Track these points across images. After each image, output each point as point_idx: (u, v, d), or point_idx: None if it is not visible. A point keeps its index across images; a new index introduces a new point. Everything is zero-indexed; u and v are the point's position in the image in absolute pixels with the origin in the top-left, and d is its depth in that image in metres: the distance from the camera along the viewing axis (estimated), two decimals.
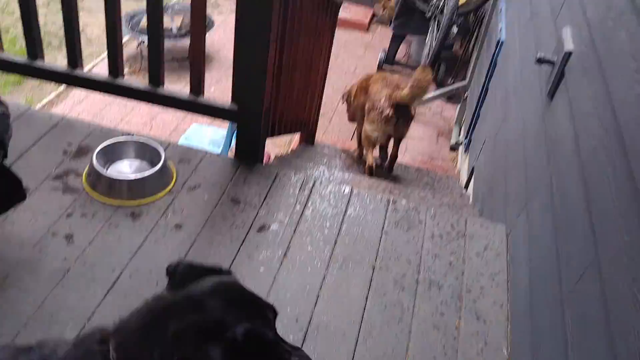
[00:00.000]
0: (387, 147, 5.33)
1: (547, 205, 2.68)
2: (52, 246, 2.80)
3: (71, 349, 1.36)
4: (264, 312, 1.36)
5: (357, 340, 2.59)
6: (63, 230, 2.89)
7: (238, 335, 1.21)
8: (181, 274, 1.41)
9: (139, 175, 3.12)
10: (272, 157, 5.08)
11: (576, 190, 2.34)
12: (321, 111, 5.75)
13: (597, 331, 1.84)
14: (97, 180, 3.10)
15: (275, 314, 1.39)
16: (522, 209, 3.11)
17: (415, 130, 6.93)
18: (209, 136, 5.61)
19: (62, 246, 2.81)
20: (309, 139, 5.63)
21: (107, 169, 3.18)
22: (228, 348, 1.19)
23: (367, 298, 2.79)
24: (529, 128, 3.45)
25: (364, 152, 5.12)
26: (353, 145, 5.91)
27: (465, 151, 6.09)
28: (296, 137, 5.92)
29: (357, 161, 5.36)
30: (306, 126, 5.33)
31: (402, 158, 6.42)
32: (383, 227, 3.20)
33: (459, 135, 6.72)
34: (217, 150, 5.03)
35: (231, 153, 4.32)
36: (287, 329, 2.60)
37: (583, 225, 2.16)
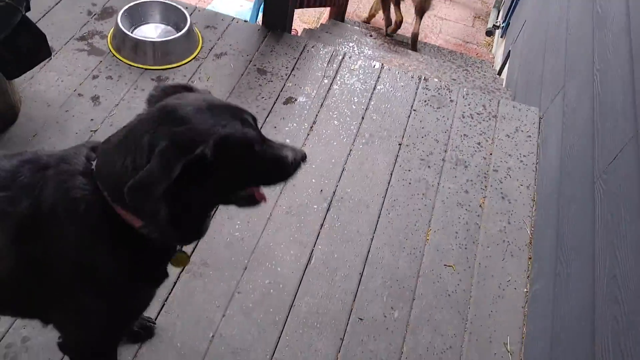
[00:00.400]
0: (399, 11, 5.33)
1: (587, 83, 2.57)
2: (78, 107, 2.79)
3: (62, 151, 1.41)
4: (242, 116, 1.32)
5: (380, 213, 2.61)
6: (89, 91, 2.87)
7: (208, 148, 1.21)
8: (158, 95, 1.37)
9: (164, 39, 3.04)
10: (300, 32, 4.91)
11: (621, 67, 2.22)
12: None
13: (629, 209, 1.80)
14: (122, 43, 3.03)
15: (253, 118, 1.37)
16: (559, 90, 2.99)
17: (451, 12, 6.62)
18: (236, 8, 5.41)
19: (89, 107, 2.80)
20: (339, 15, 5.41)
21: (132, 32, 3.09)
22: (193, 161, 1.19)
23: (391, 173, 2.78)
24: (574, 5, 3.25)
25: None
26: (384, 23, 5.67)
27: (501, 36, 5.83)
28: (326, 13, 5.69)
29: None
30: (337, 0, 5.10)
31: (435, 39, 6.18)
32: (412, 105, 3.12)
33: (497, 19, 6.41)
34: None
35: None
36: (311, 199, 2.61)
37: (624, 102, 2.07)
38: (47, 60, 2.63)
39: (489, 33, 6.38)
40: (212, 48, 3.21)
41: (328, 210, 2.59)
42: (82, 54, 3.03)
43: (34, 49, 2.50)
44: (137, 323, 2.06)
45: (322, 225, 2.54)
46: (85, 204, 1.29)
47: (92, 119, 2.75)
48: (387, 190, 2.70)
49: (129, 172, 1.21)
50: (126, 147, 1.26)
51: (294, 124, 2.91)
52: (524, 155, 2.96)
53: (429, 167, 2.82)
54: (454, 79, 4.28)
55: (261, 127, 2.83)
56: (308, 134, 2.88)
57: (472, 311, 2.36)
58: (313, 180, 2.69)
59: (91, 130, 2.69)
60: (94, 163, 1.33)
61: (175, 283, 2.26)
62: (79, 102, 2.81)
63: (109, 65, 3.00)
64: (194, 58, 3.12)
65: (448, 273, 2.46)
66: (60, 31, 3.10)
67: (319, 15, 5.96)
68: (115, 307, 1.50)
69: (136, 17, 3.17)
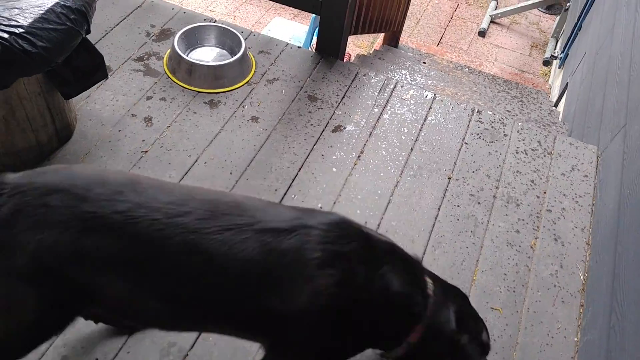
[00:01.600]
0: None
1: None
2: (131, 127, 2.84)
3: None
4: None
5: (425, 249, 2.54)
6: (143, 112, 2.92)
7: None
8: None
9: (218, 62, 3.07)
10: (353, 57, 4.90)
11: None
12: (408, 12, 5.45)
13: None
14: (177, 65, 3.07)
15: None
16: (620, 129, 2.86)
17: (507, 40, 6.50)
18: (291, 31, 5.46)
19: (141, 128, 2.84)
20: (392, 40, 5.38)
21: (187, 55, 3.14)
22: None
23: (439, 208, 2.71)
24: (639, 39, 3.12)
25: None
26: (439, 50, 5.62)
27: (559, 66, 5.68)
28: (380, 38, 5.67)
29: None
30: (391, 26, 5.07)
31: (490, 68, 6.07)
32: (464, 138, 3.05)
33: (555, 48, 6.25)
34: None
35: (312, 49, 4.18)
36: None
37: None
38: (103, 80, 2.68)
39: (546, 63, 6.23)
40: (264, 73, 3.22)
41: None
42: (137, 75, 3.09)
43: (91, 70, 2.56)
44: None
45: None
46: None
47: (143, 140, 2.79)
48: (433, 225, 2.63)
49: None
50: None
51: (342, 153, 2.88)
52: (580, 196, 2.84)
53: (478, 203, 2.74)
54: (509, 111, 4.18)
55: (308, 155, 2.82)
56: (355, 164, 2.85)
57: (518, 357, 2.25)
58: (358, 212, 2.64)
59: (142, 151, 2.73)
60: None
61: None
62: (132, 122, 2.86)
63: (164, 86, 3.05)
64: (246, 82, 3.14)
65: (494, 316, 2.36)
66: (118, 51, 3.18)
67: (372, 39, 5.95)
68: None
69: (192, 40, 3.22)
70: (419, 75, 4.37)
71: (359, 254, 1.50)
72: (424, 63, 5.14)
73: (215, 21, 3.41)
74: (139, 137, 2.80)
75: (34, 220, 1.33)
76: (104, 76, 2.62)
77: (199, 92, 3.05)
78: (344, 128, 3.00)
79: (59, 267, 1.35)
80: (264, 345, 1.61)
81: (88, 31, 2.36)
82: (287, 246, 1.41)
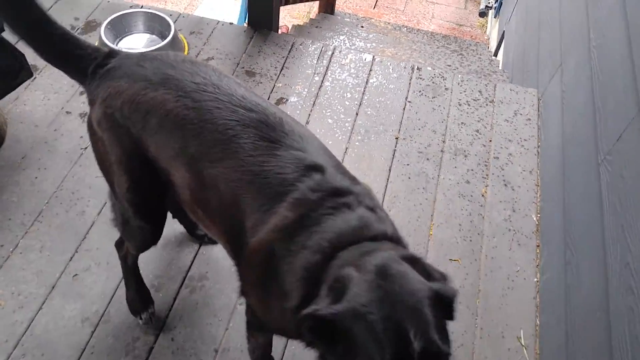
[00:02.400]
0: None
1: (584, 61, 2.49)
2: (67, 125, 2.73)
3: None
4: None
5: None
6: (77, 108, 2.81)
7: None
8: None
9: (149, 48, 2.97)
10: (290, 28, 4.83)
11: (618, 40, 2.14)
12: None
13: (638, 191, 1.73)
14: None
15: None
16: (556, 69, 2.91)
17: None
18: (225, 9, 5.34)
19: (78, 124, 2.74)
20: (328, 7, 5.32)
21: (117, 44, 3.03)
22: None
23: (390, 169, 2.71)
24: None
25: None
26: (376, 13, 5.59)
27: (495, 16, 5.74)
28: (315, 7, 5.61)
29: None
30: None
31: (428, 25, 6.09)
32: (407, 96, 3.05)
33: None
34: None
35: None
36: None
37: (624, 78, 1.99)
38: (30, 79, 2.57)
39: (482, 14, 6.28)
40: (198, 54, 3.14)
41: None
42: None
43: (13, 70, 2.44)
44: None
45: None
46: None
47: (81, 136, 2.69)
48: (386, 186, 2.63)
49: None
50: None
51: None
52: (525, 140, 2.89)
53: (427, 159, 2.75)
54: (449, 65, 4.20)
55: None
56: None
57: (481, 305, 2.29)
58: None
59: (81, 148, 2.64)
60: None
61: (175, 299, 2.21)
62: (68, 119, 2.75)
63: None
64: None
65: (454, 267, 2.39)
66: None
67: (308, 9, 5.88)
68: None
69: (120, 28, 3.10)
70: (358, 40, 4.34)
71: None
72: (362, 27, 5.11)
73: (141, 7, 3.29)
74: (77, 135, 2.70)
75: (125, 72, 1.60)
76: (29, 75, 2.50)
77: None
78: (287, 100, 2.96)
79: (127, 117, 1.57)
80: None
81: (2, 29, 2.25)
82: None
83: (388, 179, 2.65)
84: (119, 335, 2.10)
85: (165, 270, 2.29)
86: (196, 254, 2.34)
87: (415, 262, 1.28)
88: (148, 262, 2.28)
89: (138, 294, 2.14)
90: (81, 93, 2.88)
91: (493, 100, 3.07)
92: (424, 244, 2.44)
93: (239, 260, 1.59)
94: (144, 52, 1.68)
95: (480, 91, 3.12)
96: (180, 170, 1.58)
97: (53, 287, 2.21)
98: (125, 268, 2.10)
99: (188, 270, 2.30)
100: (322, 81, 3.07)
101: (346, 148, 2.77)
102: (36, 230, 2.37)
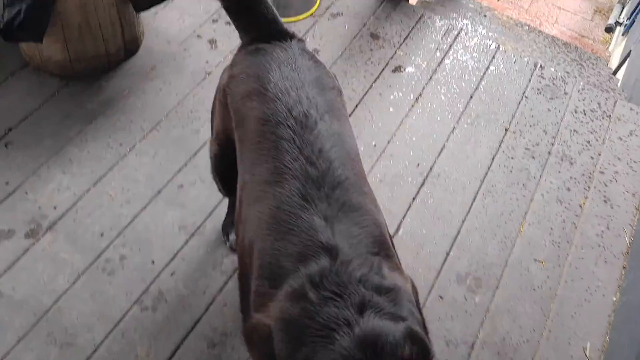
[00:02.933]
0: None
1: None
2: (196, 47, 2.88)
3: None
4: None
5: (475, 196, 2.56)
6: (208, 34, 2.95)
7: None
8: None
9: None
10: (417, 1, 4.81)
11: None
12: None
13: None
14: None
15: None
16: None
17: (570, 2, 6.30)
18: None
19: (206, 49, 2.88)
20: None
21: None
22: None
23: (493, 158, 2.71)
24: None
25: None
26: (499, 6, 5.47)
27: (623, 34, 5.50)
28: None
29: None
30: None
31: (550, 29, 5.91)
32: (525, 91, 3.02)
33: (620, 15, 6.04)
34: None
35: None
36: (406, 171, 2.60)
37: None
38: None
39: (609, 29, 6.02)
40: (329, 7, 3.21)
41: (422, 185, 2.57)
42: None
43: None
44: None
45: (414, 198, 2.53)
46: None
47: (207, 61, 2.83)
48: (486, 174, 2.64)
49: None
50: None
51: (400, 94, 2.89)
52: (635, 162, 2.82)
53: (533, 157, 2.74)
54: (567, 72, 4.09)
55: (366, 93, 2.84)
56: (412, 106, 2.85)
57: (555, 310, 2.30)
58: (411, 153, 2.67)
59: (206, 72, 2.78)
60: None
61: None
62: (198, 42, 2.90)
63: None
64: (310, 15, 3.14)
65: (537, 268, 2.40)
66: None
67: None
68: None
69: None
70: (481, 27, 4.28)
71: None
72: (485, 16, 5.03)
73: None
74: (203, 58, 2.84)
75: (264, 61, 1.61)
76: None
77: None
78: (404, 69, 2.99)
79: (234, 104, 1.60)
80: None
81: None
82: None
83: (489, 168, 2.66)
84: (210, 249, 2.25)
85: None
86: None
87: None
88: None
89: (231, 219, 2.23)
90: (213, 21, 3.01)
91: (610, 116, 3.00)
92: (512, 239, 2.45)
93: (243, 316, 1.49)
94: (302, 51, 1.68)
95: (599, 103, 3.05)
96: (238, 186, 1.59)
97: (159, 192, 2.38)
98: None
99: None
100: (443, 58, 3.08)
101: (453, 128, 2.79)
102: (152, 138, 2.54)
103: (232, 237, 2.22)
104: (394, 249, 1.48)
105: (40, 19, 2.38)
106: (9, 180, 2.33)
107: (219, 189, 2.04)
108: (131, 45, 2.76)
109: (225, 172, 1.85)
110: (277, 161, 1.42)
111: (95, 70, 2.68)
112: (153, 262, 2.19)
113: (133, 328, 2.03)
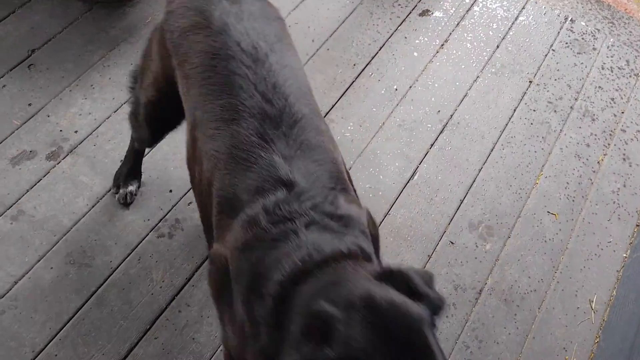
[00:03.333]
0: None
1: None
2: None
3: None
4: None
5: (494, 146, 2.56)
6: None
7: None
8: None
9: None
10: None
11: None
12: None
13: None
14: None
15: None
16: None
17: None
18: None
19: None
20: None
21: None
22: None
23: (515, 110, 2.69)
24: None
25: None
26: None
27: None
28: None
29: None
30: None
31: None
32: (552, 44, 2.96)
33: None
34: None
35: None
36: (426, 117, 2.59)
37: None
38: None
39: None
40: None
41: (442, 132, 2.57)
42: None
43: None
44: None
45: (432, 145, 2.53)
46: None
47: None
48: (506, 125, 2.62)
49: None
50: None
51: (425, 38, 2.85)
52: None
53: (555, 111, 2.71)
54: (598, 29, 3.99)
55: (391, 35, 2.80)
56: (437, 51, 2.81)
57: (564, 262, 2.32)
58: (432, 99, 2.65)
59: None
60: None
61: None
62: None
63: None
64: None
65: (549, 220, 2.41)
66: None
67: None
68: None
69: None
70: None
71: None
72: None
73: None
74: None
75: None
76: None
77: None
78: (432, 13, 2.94)
79: (174, 45, 1.52)
80: None
81: None
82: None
83: (510, 119, 2.64)
84: None
85: None
86: None
87: (393, 277, 1.13)
88: None
89: (127, 170, 2.14)
90: None
91: (638, 74, 2.95)
92: (527, 190, 2.46)
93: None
94: None
95: (627, 61, 2.99)
96: (187, 124, 1.55)
97: None
98: (130, 147, 2.12)
99: None
100: (472, 5, 3.01)
101: (477, 77, 2.76)
102: None
103: (125, 189, 2.14)
104: (352, 185, 1.48)
105: None
106: (31, 102, 2.35)
107: (144, 139, 1.94)
108: None
109: (160, 118, 1.78)
110: (231, 97, 1.40)
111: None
112: (171, 190, 2.22)
113: (149, 253, 2.08)
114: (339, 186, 1.36)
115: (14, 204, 2.10)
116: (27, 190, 2.14)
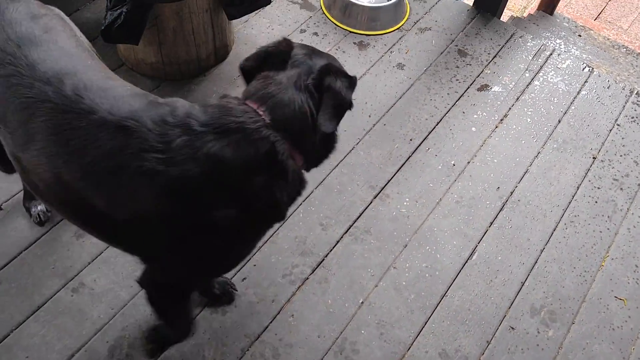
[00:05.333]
0: None
1: None
2: None
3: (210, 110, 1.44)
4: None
5: (556, 225, 2.47)
6: None
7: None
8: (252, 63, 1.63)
9: (374, 4, 3.07)
10: (508, 18, 4.69)
11: None
12: None
13: None
14: (333, 2, 3.11)
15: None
16: None
17: None
18: None
19: None
20: (549, 7, 5.07)
21: None
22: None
23: (578, 187, 2.60)
24: None
25: None
26: (596, 25, 5.24)
27: None
28: (534, 3, 5.37)
29: None
30: None
31: None
32: (617, 118, 2.88)
33: None
34: None
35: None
36: (485, 194, 2.54)
37: None
38: (265, 6, 2.77)
39: None
40: (417, 21, 3.18)
41: (501, 209, 2.50)
42: (295, 7, 3.16)
43: None
44: (221, 288, 2.13)
45: (491, 223, 2.46)
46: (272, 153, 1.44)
47: None
48: (569, 203, 2.54)
49: (308, 114, 1.48)
50: (292, 99, 1.46)
51: (484, 113, 2.82)
52: None
53: (621, 189, 2.60)
54: None
55: (449, 110, 2.80)
56: (496, 126, 2.78)
57: (635, 353, 2.17)
58: (491, 175, 2.60)
59: None
60: (265, 116, 1.45)
61: (337, 242, 2.33)
62: None
63: (318, 22, 3.10)
64: (398, 28, 3.12)
65: (617, 306, 2.28)
66: None
67: (526, 3, 5.66)
68: (235, 248, 1.61)
69: None
70: (574, 48, 4.12)
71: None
72: (579, 36, 4.83)
73: None
74: None
75: None
76: (267, 3, 2.70)
77: (350, 31, 3.08)
78: (491, 88, 2.92)
79: None
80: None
81: None
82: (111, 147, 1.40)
83: (573, 197, 2.56)
84: (281, 258, 2.27)
85: (336, 213, 2.41)
86: (366, 208, 2.44)
87: None
88: (322, 201, 2.43)
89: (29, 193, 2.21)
90: (301, 31, 3.06)
91: None
92: (592, 273, 2.34)
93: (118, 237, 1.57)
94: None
95: None
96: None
97: None
98: None
99: (355, 220, 2.41)
100: (533, 79, 2.98)
101: (538, 152, 2.70)
102: None
103: (35, 209, 2.22)
104: None
105: (138, 22, 2.48)
106: None
107: None
108: (221, 52, 2.85)
109: None
110: (17, 98, 1.43)
111: (186, 73, 2.77)
112: None
113: (202, 329, 2.08)
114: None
115: (76, 276, 2.16)
116: (89, 263, 2.20)
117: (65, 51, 1.54)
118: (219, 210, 1.43)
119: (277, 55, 1.57)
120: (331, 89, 1.50)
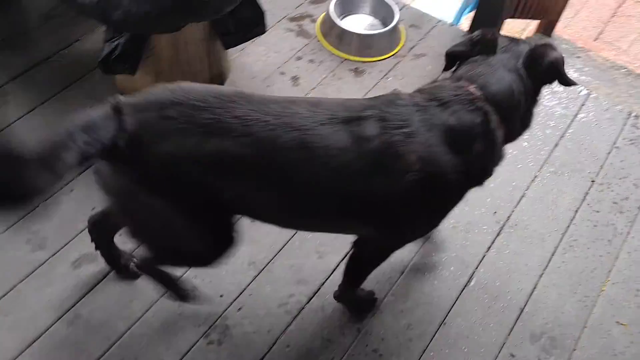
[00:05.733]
0: None
1: None
2: (279, 84, 2.95)
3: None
4: None
5: (555, 250, 2.45)
6: (291, 71, 3.01)
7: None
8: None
9: (369, 32, 3.09)
10: None
11: None
12: (570, 1, 5.13)
13: None
14: (329, 30, 3.13)
15: None
16: None
17: None
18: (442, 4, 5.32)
19: (288, 86, 2.94)
20: (547, 29, 5.10)
21: (341, 19, 3.18)
22: None
23: (577, 211, 2.58)
24: None
25: None
26: (595, 46, 5.25)
27: None
28: (532, 26, 5.40)
29: None
30: (550, 14, 4.81)
31: None
32: (615, 141, 2.87)
33: None
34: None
35: (465, 24, 4.07)
36: (482, 218, 2.53)
37: None
38: (260, 35, 2.79)
39: None
40: (412, 47, 3.20)
41: (499, 234, 2.49)
42: (291, 34, 3.19)
43: (252, 23, 2.68)
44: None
45: (489, 248, 2.45)
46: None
47: None
48: (568, 227, 2.52)
49: (515, 92, 1.66)
50: (501, 78, 1.64)
51: None
52: None
53: (621, 212, 2.59)
54: None
55: None
56: None
57: None
58: (488, 200, 2.59)
59: None
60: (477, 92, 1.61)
61: (333, 271, 2.32)
62: (281, 79, 2.96)
63: (314, 49, 3.13)
64: (393, 55, 3.14)
65: (619, 331, 2.25)
66: (276, 9, 3.27)
67: (524, 26, 5.68)
68: (444, 211, 1.80)
69: (347, 6, 3.26)
70: (572, 70, 4.13)
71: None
72: (578, 57, 4.85)
73: None
74: (285, 94, 2.89)
75: (158, 131, 1.44)
76: (262, 31, 2.73)
77: (346, 58, 3.10)
78: None
79: (187, 173, 1.47)
80: (368, 232, 1.83)
81: None
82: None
83: (572, 221, 2.54)
84: (276, 287, 2.26)
85: (332, 241, 2.40)
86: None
87: None
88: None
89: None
90: (297, 58, 3.08)
91: None
92: (592, 298, 2.32)
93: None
94: (149, 98, 1.52)
95: None
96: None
97: None
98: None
99: (351, 249, 2.39)
100: None
101: (535, 176, 2.69)
102: None
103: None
104: None
105: (135, 53, 2.51)
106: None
107: None
108: (217, 80, 2.87)
109: None
110: None
111: None
112: (222, 295, 2.23)
113: None
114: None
115: (72, 307, 2.16)
116: (85, 294, 2.20)
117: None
118: (451, 175, 1.60)
119: (483, 44, 1.72)
120: (551, 64, 1.68)
